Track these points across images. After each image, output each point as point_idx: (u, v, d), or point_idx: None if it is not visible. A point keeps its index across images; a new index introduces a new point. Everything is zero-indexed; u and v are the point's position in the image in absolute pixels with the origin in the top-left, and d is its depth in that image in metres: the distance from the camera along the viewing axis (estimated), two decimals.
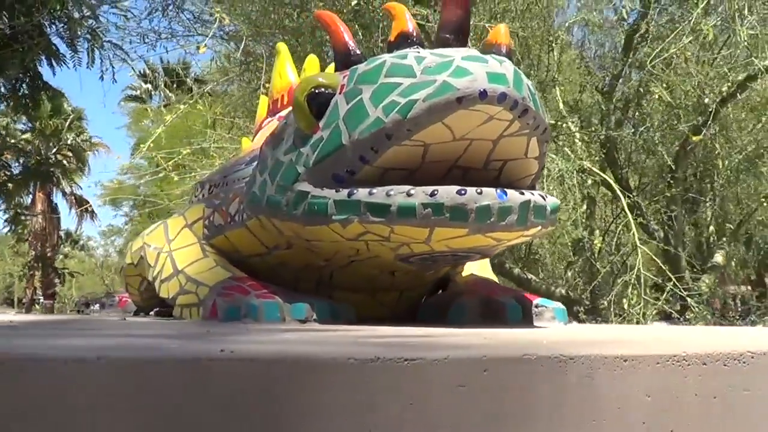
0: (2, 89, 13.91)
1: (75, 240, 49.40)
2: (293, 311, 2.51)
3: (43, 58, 13.16)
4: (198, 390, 1.16)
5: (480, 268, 3.32)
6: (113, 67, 12.22)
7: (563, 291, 9.27)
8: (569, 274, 9.78)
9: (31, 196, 37.33)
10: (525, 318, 2.76)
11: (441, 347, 1.44)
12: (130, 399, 1.14)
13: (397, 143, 2.24)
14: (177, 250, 3.08)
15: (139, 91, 39.95)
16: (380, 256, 2.52)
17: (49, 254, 38.59)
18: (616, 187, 7.80)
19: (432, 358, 1.29)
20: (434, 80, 2.19)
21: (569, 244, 8.94)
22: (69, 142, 37.03)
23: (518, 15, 8.05)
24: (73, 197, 42.83)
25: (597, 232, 9.17)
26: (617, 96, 9.44)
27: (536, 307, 2.86)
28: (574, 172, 7.67)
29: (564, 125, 8.93)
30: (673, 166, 9.40)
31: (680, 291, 7.44)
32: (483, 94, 2.15)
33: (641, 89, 9.14)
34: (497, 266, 9.72)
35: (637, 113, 9.66)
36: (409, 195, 2.19)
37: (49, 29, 12.56)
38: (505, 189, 2.22)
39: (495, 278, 3.48)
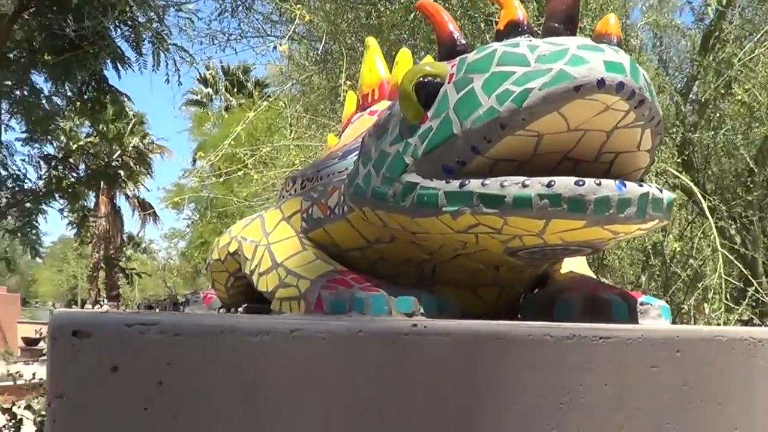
0: (69, 93, 14.03)
1: (137, 243, 49.92)
2: (399, 304, 2.46)
3: (108, 61, 13.25)
4: (394, 364, 1.13)
5: (578, 266, 3.27)
6: (179, 70, 12.31)
7: None
8: (642, 278, 9.66)
9: (95, 199, 37.83)
10: (631, 315, 2.70)
11: (624, 329, 1.40)
12: (325, 372, 1.11)
13: (510, 133, 2.19)
14: (275, 243, 3.04)
15: (200, 96, 40.36)
16: (488, 250, 2.47)
17: (113, 256, 39.01)
18: (696, 189, 7.66)
19: (626, 337, 1.25)
20: (550, 68, 2.14)
21: (649, 247, 8.79)
22: (132, 145, 37.43)
23: (597, 15, 7.96)
24: (135, 200, 43.29)
25: (671, 236, 9.03)
26: (692, 98, 9.34)
27: (641, 304, 2.79)
28: (653, 174, 7.57)
29: None
30: (755, 169, 9.26)
31: (763, 296, 7.33)
32: (601, 83, 2.09)
33: (720, 90, 9.02)
34: None
35: (717, 115, 9.53)
36: (524, 186, 2.14)
37: (114, 32, 12.66)
38: (624, 181, 2.17)
39: (593, 276, 3.41)
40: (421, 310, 2.47)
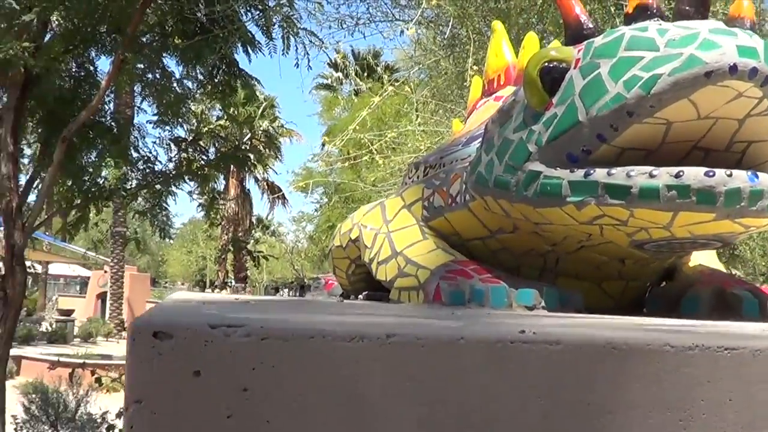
0: (200, 76, 14.25)
1: (266, 226, 50.72)
2: (520, 297, 2.42)
3: (239, 45, 13.43)
4: (499, 373, 1.08)
5: (707, 259, 3.18)
6: (308, 54, 12.41)
7: None
8: None
9: (224, 182, 38.51)
10: (762, 312, 2.62)
11: (752, 337, 1.32)
12: (425, 381, 1.06)
13: (638, 121, 2.13)
14: (395, 231, 3.02)
15: (330, 80, 40.77)
16: (613, 242, 2.40)
17: (241, 238, 39.72)
18: None
19: (754, 347, 1.17)
20: (680, 53, 2.07)
21: None
22: (262, 129, 38.00)
23: None
24: (265, 183, 43.96)
25: None
26: None
27: None
28: None
29: None
30: None
31: None
32: (733, 69, 2.02)
33: None
34: None
35: None
36: (651, 176, 2.08)
37: (244, 17, 12.82)
38: (756, 172, 2.08)
39: (722, 269, 3.32)
40: (543, 304, 2.43)
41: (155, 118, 15.23)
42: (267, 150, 40.59)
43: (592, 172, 2.17)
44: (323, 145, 28.26)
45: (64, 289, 47.67)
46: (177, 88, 14.12)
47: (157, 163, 15.47)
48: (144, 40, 13.24)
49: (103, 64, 17.99)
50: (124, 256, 37.06)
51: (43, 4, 10.73)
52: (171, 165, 15.47)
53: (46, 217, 14.43)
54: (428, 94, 10.87)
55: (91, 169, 13.98)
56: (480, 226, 2.74)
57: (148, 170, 15.05)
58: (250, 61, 14.89)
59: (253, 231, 47.48)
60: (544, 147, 2.31)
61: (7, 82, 12.29)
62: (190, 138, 15.41)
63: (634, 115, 2.12)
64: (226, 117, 20.62)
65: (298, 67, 12.92)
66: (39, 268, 32.02)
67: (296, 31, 12.62)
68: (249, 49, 13.59)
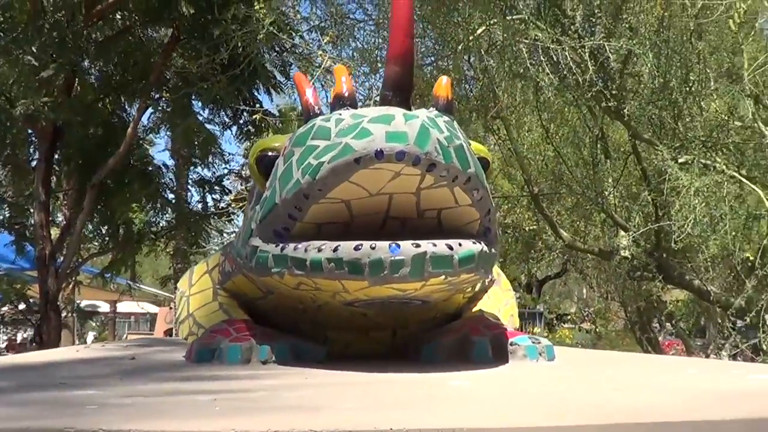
0: (225, 118, 14.47)
1: None
2: (259, 353, 2.73)
3: (260, 85, 13.67)
4: None
5: (492, 303, 3.43)
6: (325, 91, 12.58)
7: (742, 303, 8.94)
8: (749, 284, 9.36)
9: None
10: (497, 356, 2.86)
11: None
12: None
13: (315, 202, 2.42)
14: (193, 295, 3.34)
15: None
16: (329, 303, 2.68)
17: None
18: (761, 194, 7.46)
19: None
20: (340, 142, 2.36)
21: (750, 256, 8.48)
22: None
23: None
24: None
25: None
26: None
27: (511, 344, 2.94)
28: (724, 183, 7.42)
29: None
30: None
31: None
32: (379, 154, 2.29)
33: None
34: (678, 277, 9.48)
35: None
36: (319, 250, 2.37)
37: (263, 58, 12.99)
38: (399, 243, 2.34)
39: (510, 310, 3.52)
40: (273, 359, 2.73)
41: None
42: None
43: (285, 247, 2.47)
44: None
45: (135, 327, 47.72)
46: (200, 130, 14.28)
47: (187, 205, 15.80)
48: (170, 85, 13.50)
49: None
50: None
51: (59, 60, 11.01)
52: (200, 206, 15.79)
53: (80, 261, 14.73)
54: None
55: (120, 214, 14.26)
56: (256, 288, 3.02)
57: (180, 212, 15.32)
58: (272, 100, 14.97)
59: None
60: (259, 225, 2.61)
61: (37, 135, 12.65)
62: (214, 180, 15.64)
63: (309, 197, 2.41)
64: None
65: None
66: (107, 308, 32.17)
67: (311, 70, 12.81)
68: (271, 89, 13.87)
